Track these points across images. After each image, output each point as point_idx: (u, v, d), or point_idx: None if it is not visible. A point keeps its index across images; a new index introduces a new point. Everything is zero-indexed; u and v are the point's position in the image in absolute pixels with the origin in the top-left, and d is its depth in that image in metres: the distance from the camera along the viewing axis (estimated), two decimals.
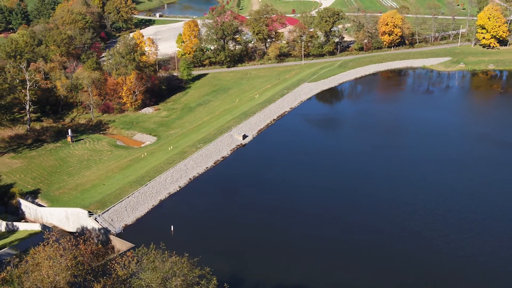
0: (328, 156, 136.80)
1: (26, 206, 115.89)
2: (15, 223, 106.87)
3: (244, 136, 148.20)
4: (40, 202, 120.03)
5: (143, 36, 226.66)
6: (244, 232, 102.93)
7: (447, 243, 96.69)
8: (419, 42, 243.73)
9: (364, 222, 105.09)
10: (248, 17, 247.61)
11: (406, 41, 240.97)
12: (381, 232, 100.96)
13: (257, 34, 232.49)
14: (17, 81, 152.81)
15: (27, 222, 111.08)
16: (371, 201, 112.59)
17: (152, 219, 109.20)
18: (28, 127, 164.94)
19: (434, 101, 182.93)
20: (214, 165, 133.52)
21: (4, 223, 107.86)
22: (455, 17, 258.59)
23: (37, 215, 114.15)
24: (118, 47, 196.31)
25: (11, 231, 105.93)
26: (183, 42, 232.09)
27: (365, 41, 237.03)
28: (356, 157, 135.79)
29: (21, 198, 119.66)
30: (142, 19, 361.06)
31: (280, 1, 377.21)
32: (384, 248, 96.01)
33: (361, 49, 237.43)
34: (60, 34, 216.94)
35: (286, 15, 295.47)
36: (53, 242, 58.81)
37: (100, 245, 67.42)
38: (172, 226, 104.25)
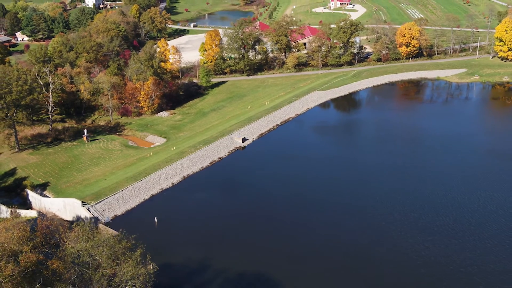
0: (319, 161, 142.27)
1: (32, 196, 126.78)
2: (18, 210, 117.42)
3: (244, 139, 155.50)
4: (47, 194, 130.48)
5: (167, 44, 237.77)
6: (221, 228, 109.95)
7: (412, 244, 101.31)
8: (437, 54, 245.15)
9: (337, 228, 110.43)
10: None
11: (424, 53, 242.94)
12: (356, 235, 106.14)
13: (275, 44, 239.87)
14: (36, 83, 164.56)
15: (33, 210, 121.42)
16: (351, 210, 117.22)
17: (140, 211, 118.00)
18: (50, 126, 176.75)
19: (438, 110, 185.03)
20: (209, 165, 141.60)
21: (9, 210, 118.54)
22: (478, 30, 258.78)
23: (41, 205, 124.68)
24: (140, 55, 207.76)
25: (13, 217, 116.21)
26: (205, 50, 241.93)
27: (383, 52, 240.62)
28: (346, 165, 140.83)
29: (31, 190, 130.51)
30: (177, 29, 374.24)
31: (311, 12, 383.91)
32: (354, 248, 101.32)
33: (379, 60, 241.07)
34: (89, 41, 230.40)
35: (314, 27, 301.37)
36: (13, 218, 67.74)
37: (56, 222, 75.60)
38: (156, 218, 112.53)
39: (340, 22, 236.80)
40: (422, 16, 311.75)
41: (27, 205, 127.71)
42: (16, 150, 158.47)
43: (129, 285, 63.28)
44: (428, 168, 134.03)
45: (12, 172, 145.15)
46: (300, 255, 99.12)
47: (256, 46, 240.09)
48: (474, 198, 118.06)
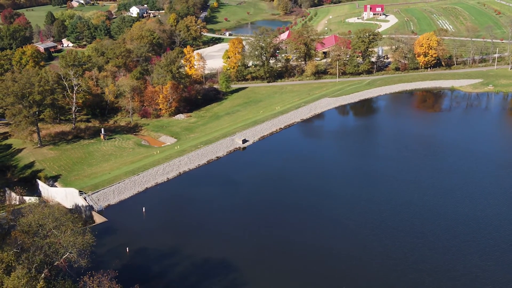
0: (311, 163, 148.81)
1: (42, 186, 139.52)
2: (24, 197, 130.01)
3: (244, 141, 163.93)
4: (56, 185, 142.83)
5: (193, 51, 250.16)
6: (203, 220, 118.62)
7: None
8: (457, 64, 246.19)
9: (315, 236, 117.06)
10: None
11: (443, 63, 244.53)
12: (327, 235, 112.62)
13: (294, 52, 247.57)
14: (57, 84, 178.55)
15: (34, 197, 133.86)
16: (330, 219, 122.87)
17: (133, 202, 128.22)
18: (74, 125, 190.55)
19: (443, 118, 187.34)
20: (206, 163, 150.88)
21: (18, 197, 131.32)
22: (503, 41, 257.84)
23: (48, 194, 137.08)
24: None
25: (20, 202, 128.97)
26: (229, 57, 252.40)
27: (402, 61, 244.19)
28: (337, 167, 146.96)
29: (44, 181, 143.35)
30: (213, 37, 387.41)
31: (344, 22, 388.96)
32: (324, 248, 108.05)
33: (397, 69, 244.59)
34: (119, 47, 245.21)
35: (342, 36, 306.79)
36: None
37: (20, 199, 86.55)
38: (144, 208, 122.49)
39: (360, 32, 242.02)
40: (451, 27, 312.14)
41: (38, 194, 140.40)
42: (38, 145, 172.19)
43: (68, 252, 73.26)
44: (416, 173, 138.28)
45: (31, 165, 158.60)
46: (272, 250, 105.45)
47: (281, 55, 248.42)
48: (455, 203, 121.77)
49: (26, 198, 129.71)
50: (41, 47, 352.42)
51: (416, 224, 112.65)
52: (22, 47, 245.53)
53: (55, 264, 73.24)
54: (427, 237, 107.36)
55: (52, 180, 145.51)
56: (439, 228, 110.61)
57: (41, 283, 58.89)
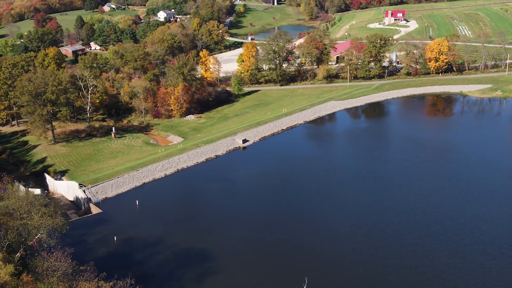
0: (306, 163, 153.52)
1: (48, 180, 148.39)
2: (30, 189, 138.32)
3: (244, 141, 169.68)
4: (63, 179, 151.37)
5: (208, 54, 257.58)
6: (191, 214, 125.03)
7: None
8: (469, 69, 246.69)
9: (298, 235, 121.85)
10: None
11: (454, 68, 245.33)
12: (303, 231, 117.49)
13: (305, 56, 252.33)
14: (70, 84, 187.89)
15: (48, 191, 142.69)
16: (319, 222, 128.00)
17: (129, 196, 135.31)
18: (88, 124, 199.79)
19: (445, 123, 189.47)
20: (204, 161, 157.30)
21: (24, 188, 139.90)
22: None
23: (54, 187, 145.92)
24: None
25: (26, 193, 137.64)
26: (243, 61, 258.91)
27: (413, 66, 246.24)
28: (329, 169, 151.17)
29: (53, 176, 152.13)
30: (235, 42, 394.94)
31: (365, 28, 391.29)
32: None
33: (408, 74, 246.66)
34: (138, 50, 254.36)
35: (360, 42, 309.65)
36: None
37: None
38: (137, 201, 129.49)
39: (371, 37, 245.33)
40: (470, 33, 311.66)
41: (45, 187, 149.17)
42: (52, 142, 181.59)
43: (39, 233, 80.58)
44: (407, 175, 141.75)
45: (43, 160, 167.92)
46: (254, 244, 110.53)
47: (295, 59, 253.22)
48: (437, 204, 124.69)
49: (32, 190, 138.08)
50: (69, 49, 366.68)
51: (394, 222, 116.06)
52: (46, 49, 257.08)
53: (29, 244, 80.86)
54: (401, 235, 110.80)
55: (60, 174, 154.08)
56: (414, 227, 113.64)
57: (0, 255, 66.03)
